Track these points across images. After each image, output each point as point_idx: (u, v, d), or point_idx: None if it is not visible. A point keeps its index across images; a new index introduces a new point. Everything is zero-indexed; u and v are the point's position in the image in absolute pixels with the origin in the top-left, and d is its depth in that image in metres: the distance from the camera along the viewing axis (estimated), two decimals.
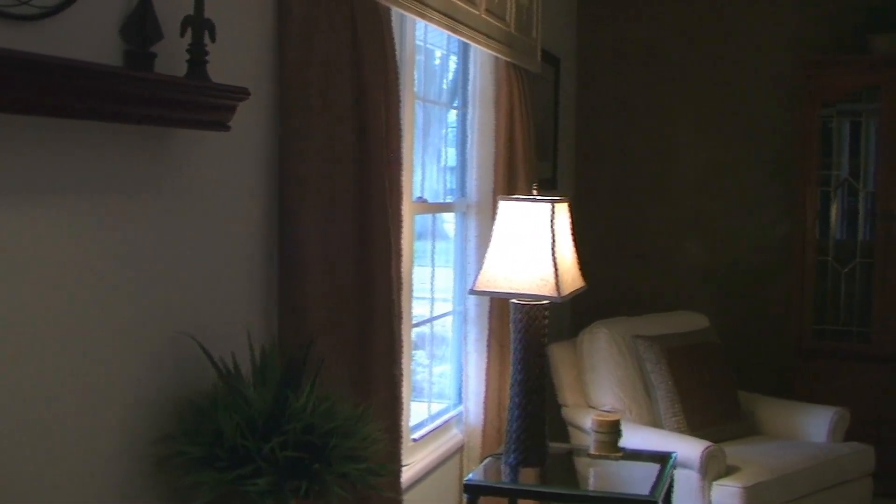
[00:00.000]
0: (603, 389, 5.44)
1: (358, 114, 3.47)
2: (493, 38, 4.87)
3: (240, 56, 3.00)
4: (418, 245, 4.79)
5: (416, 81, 4.52)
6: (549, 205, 4.09)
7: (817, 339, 6.50)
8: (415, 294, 4.61)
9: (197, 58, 2.59)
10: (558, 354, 5.56)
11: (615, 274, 7.09)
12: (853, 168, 6.55)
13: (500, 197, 4.42)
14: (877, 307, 6.39)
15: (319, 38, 3.23)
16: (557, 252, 4.06)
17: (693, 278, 7.04)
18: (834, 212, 6.57)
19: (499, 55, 4.99)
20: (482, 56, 5.02)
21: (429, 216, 4.94)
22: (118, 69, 2.39)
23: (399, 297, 3.75)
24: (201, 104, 2.58)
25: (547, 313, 4.25)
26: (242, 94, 2.70)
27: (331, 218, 3.28)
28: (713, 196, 7.03)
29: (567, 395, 5.52)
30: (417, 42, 4.57)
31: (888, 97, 6.35)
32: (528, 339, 4.19)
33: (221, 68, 2.72)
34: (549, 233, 4.06)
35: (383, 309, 3.57)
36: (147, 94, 2.39)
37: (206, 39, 2.60)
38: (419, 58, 4.70)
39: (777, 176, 6.84)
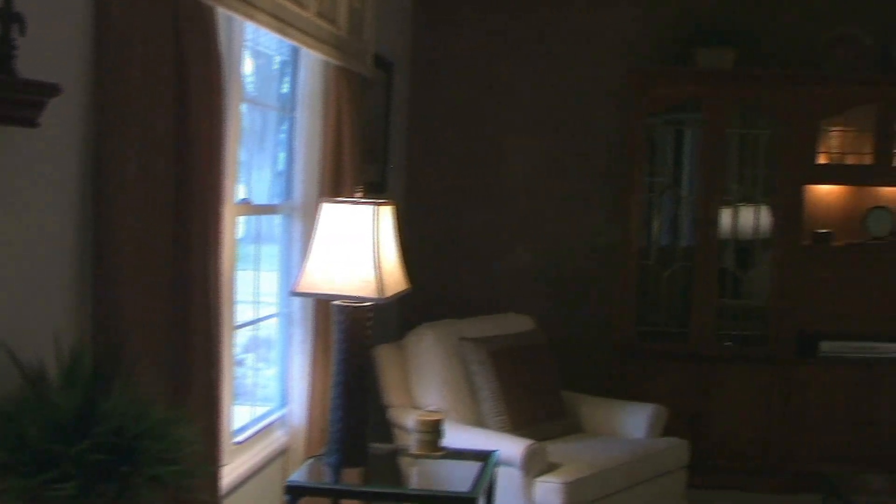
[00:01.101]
0: (428, 390, 5.45)
1: (179, 114, 3.40)
2: (323, 42, 4.82)
3: (54, 52, 2.91)
4: (252, 248, 4.73)
5: (251, 84, 4.45)
6: (372, 207, 4.09)
7: (640, 340, 6.66)
8: (246, 297, 4.55)
9: (3, 51, 2.49)
10: (385, 356, 5.55)
11: (446, 276, 7.14)
12: (676, 175, 6.72)
13: (322, 199, 4.37)
14: (694, 309, 6.59)
15: (139, 36, 3.15)
16: (380, 254, 4.06)
17: (522, 281, 7.15)
18: (657, 217, 6.73)
19: (329, 58, 4.94)
20: (312, 59, 4.97)
21: (259, 219, 4.87)
22: None
23: (218, 299, 3.68)
24: (5, 99, 2.48)
25: (370, 315, 4.25)
26: (52, 90, 2.61)
27: (147, 218, 3.20)
28: (542, 200, 7.14)
29: (393, 396, 5.51)
30: (258, 46, 4.50)
31: (709, 108, 6.57)
32: (351, 340, 4.19)
33: (34, 64, 2.63)
34: (372, 235, 4.06)
35: (200, 310, 3.51)
36: None
37: (16, 33, 2.51)
38: (260, 62, 4.64)
39: (604, 182, 7.00)
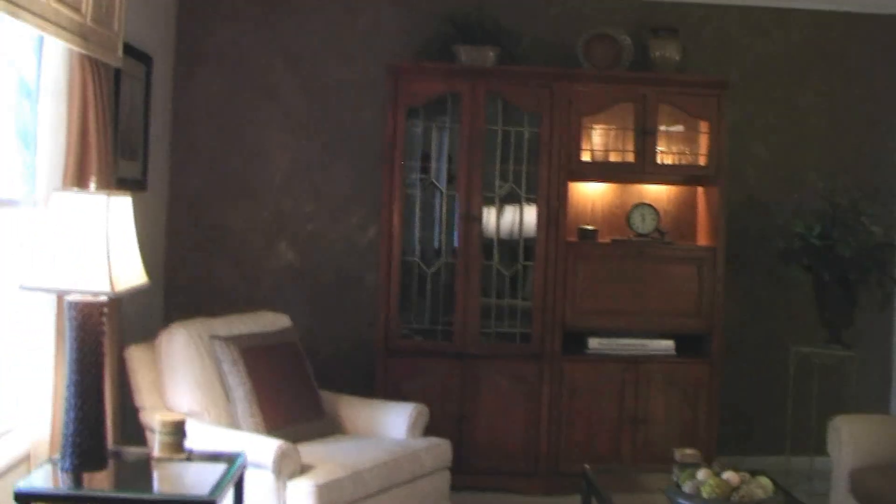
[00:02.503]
0: (181, 391, 5.33)
1: None
2: (63, 28, 4.65)
3: None
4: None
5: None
6: (104, 197, 3.97)
7: (404, 339, 6.69)
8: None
9: None
10: (136, 356, 5.40)
11: (211, 274, 7.10)
12: (438, 171, 6.75)
13: (53, 190, 4.22)
14: (458, 306, 6.66)
15: None
16: (112, 246, 3.93)
17: (286, 279, 7.17)
18: (420, 213, 6.75)
19: (72, 46, 4.77)
20: (54, 46, 4.80)
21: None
22: None
23: None
24: None
25: (105, 311, 4.12)
26: None
27: None
28: (305, 198, 7.20)
29: (145, 397, 5.37)
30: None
31: (467, 104, 6.67)
32: (84, 337, 4.07)
33: None
34: (104, 226, 3.94)
35: None
36: None
37: None
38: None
39: (367, 179, 7.05)
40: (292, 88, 7.14)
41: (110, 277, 3.91)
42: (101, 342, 4.12)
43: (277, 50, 7.12)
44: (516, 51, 6.98)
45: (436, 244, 6.83)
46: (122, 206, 4.10)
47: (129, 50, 5.96)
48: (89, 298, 4.04)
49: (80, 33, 4.84)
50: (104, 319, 4.13)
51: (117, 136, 5.89)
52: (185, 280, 7.03)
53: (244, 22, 7.11)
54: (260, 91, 7.13)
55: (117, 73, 5.85)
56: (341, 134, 7.15)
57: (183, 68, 7.10)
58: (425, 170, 6.79)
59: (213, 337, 5.46)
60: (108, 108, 5.17)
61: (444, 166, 6.79)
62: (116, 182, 5.77)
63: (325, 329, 7.06)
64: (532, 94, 6.69)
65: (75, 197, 3.99)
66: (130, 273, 4.12)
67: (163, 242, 7.03)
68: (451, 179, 6.77)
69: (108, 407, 4.92)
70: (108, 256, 3.92)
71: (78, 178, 4.88)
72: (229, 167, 7.14)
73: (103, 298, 4.08)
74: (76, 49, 4.83)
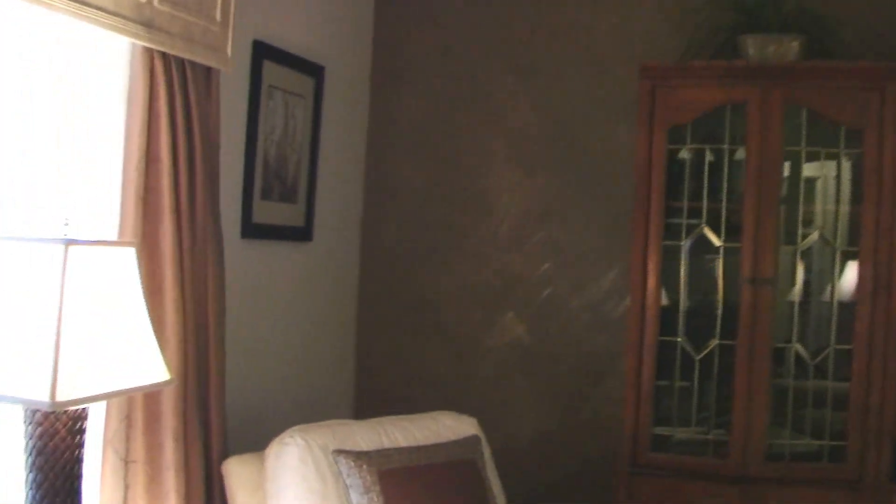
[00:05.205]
0: None
1: None
2: (109, 13, 3.60)
3: None
4: None
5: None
6: (59, 247, 2.76)
7: (657, 450, 5.24)
8: None
9: None
10: (236, 472, 4.14)
11: (411, 355, 6.02)
12: (713, 215, 5.26)
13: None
14: (738, 407, 5.10)
15: None
16: (67, 328, 2.72)
17: (509, 362, 5.93)
18: (687, 275, 5.26)
19: (125, 37, 3.73)
20: (107, 40, 3.79)
21: None
22: None
23: None
24: None
25: (84, 425, 2.92)
26: None
27: None
28: (538, 255, 5.92)
29: None
30: None
31: (756, 118, 5.13)
32: (49, 464, 2.90)
33: None
34: (56, 296, 2.73)
35: None
36: None
37: None
38: None
39: (623, 227, 5.63)
40: (522, 108, 5.89)
41: (53, 380, 2.68)
42: (75, 475, 2.94)
43: (501, 57, 5.91)
44: (828, 42, 5.37)
45: (707, 318, 5.30)
46: (103, 263, 2.89)
47: (276, 54, 4.93)
48: (55, 408, 2.86)
49: (143, 20, 3.76)
50: (83, 438, 2.94)
51: (254, 173, 4.86)
52: (378, 361, 5.97)
53: (456, 22, 5.97)
54: (478, 112, 5.95)
55: (255, 86, 4.81)
56: (589, 167, 5.82)
57: (372, 83, 6.06)
58: (694, 213, 5.31)
59: (339, 452, 4.14)
60: (201, 126, 4.10)
61: (723, 207, 5.29)
62: (250, 228, 4.79)
63: (564, 431, 5.79)
64: (851, 102, 5.09)
65: (13, 247, 2.81)
66: (118, 371, 2.89)
67: (352, 311, 5.92)
68: (731, 226, 5.26)
69: None
70: (56, 346, 2.70)
71: (142, 217, 3.84)
72: (437, 213, 6.01)
73: (82, 407, 2.90)
74: (139, 42, 3.79)
